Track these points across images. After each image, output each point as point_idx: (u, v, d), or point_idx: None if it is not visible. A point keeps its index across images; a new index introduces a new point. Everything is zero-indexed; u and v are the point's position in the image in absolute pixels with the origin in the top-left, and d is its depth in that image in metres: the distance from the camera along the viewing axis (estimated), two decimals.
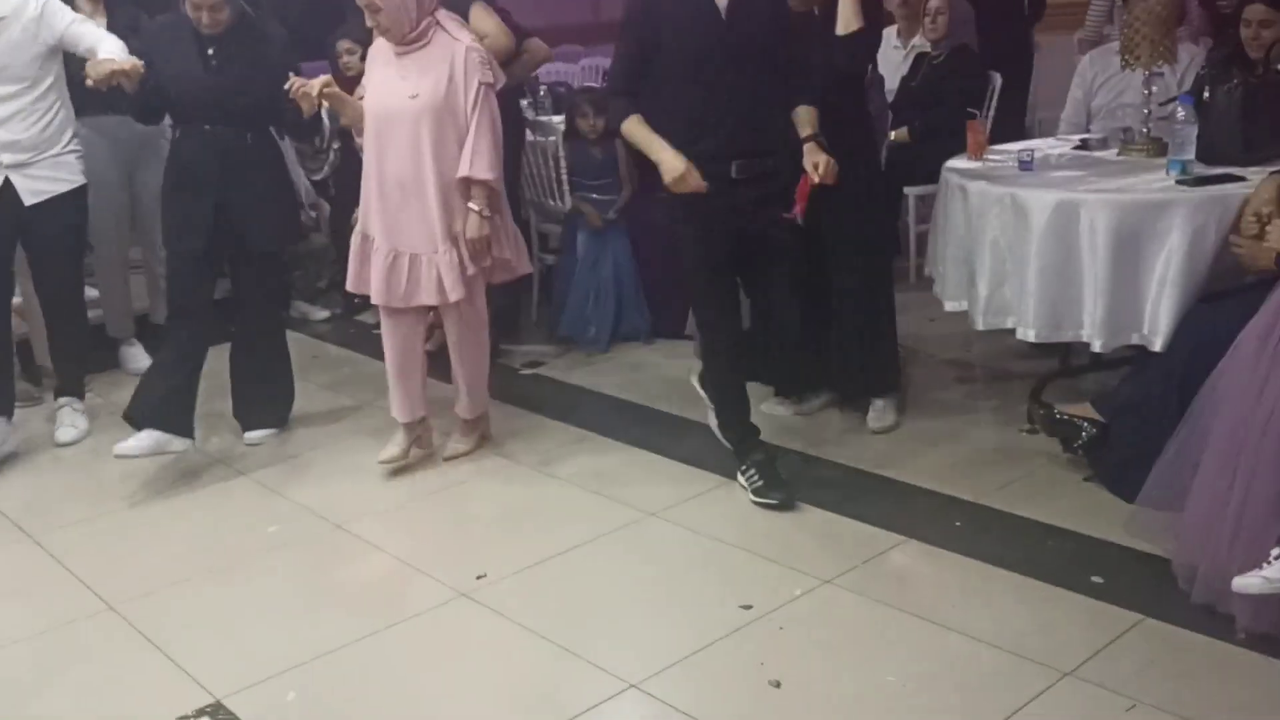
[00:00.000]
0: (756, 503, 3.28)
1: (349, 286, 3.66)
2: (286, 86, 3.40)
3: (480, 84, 3.39)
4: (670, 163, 3.09)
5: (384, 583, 3.03)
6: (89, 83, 3.51)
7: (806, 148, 3.19)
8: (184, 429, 3.68)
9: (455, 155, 3.40)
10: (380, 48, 3.47)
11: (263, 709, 2.48)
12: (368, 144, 3.48)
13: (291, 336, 5.04)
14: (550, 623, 2.76)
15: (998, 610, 2.70)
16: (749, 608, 2.77)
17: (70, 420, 4.08)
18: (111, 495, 3.64)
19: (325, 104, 3.53)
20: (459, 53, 3.38)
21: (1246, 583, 2.41)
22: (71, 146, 3.89)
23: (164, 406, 3.64)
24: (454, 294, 3.46)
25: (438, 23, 3.42)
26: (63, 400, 4.12)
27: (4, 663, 2.73)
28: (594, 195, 4.85)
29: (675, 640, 2.65)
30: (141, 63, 3.52)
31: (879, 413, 3.79)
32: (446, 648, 2.71)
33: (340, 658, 2.66)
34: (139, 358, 4.76)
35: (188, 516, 3.49)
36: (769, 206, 3.21)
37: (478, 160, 3.38)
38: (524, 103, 5.11)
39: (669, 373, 4.46)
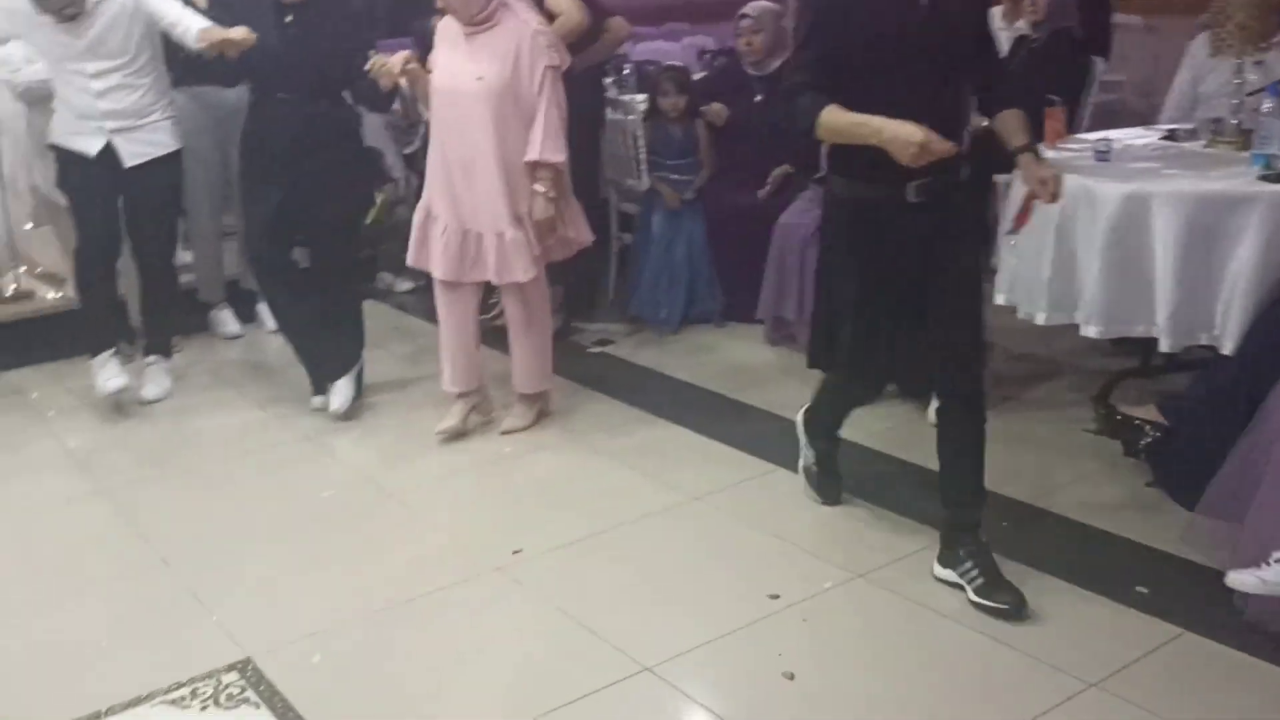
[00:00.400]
0: (980, 604, 2.68)
1: (410, 261, 3.74)
2: (367, 66, 3.47)
3: (547, 67, 3.40)
4: (902, 134, 2.46)
5: (423, 552, 3.09)
6: (200, 46, 3.66)
7: (1023, 159, 2.66)
8: (353, 359, 4.01)
9: (519, 137, 3.43)
10: (448, 27, 3.51)
11: (289, 669, 2.55)
12: (434, 122, 3.54)
13: (374, 307, 5.20)
14: (576, 601, 2.78)
15: (1031, 615, 2.62)
16: (776, 597, 2.75)
17: (156, 378, 4.26)
18: (183, 453, 3.80)
19: (404, 81, 3.59)
20: (525, 35, 3.40)
21: (1240, 579, 2.31)
22: (169, 114, 4.05)
23: (325, 359, 3.93)
24: (526, 275, 3.52)
25: (506, 4, 3.44)
26: (151, 359, 4.30)
27: (55, 614, 2.87)
28: (673, 175, 4.83)
29: (697, 626, 2.65)
30: (249, 31, 3.61)
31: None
32: (472, 620, 2.75)
33: (369, 624, 2.73)
34: (228, 322, 4.95)
35: (250, 478, 3.61)
36: (953, 236, 2.68)
37: (547, 143, 3.41)
38: (608, 80, 5.11)
39: (736, 357, 4.44)
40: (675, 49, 7.47)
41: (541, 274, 3.67)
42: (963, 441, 2.76)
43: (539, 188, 3.45)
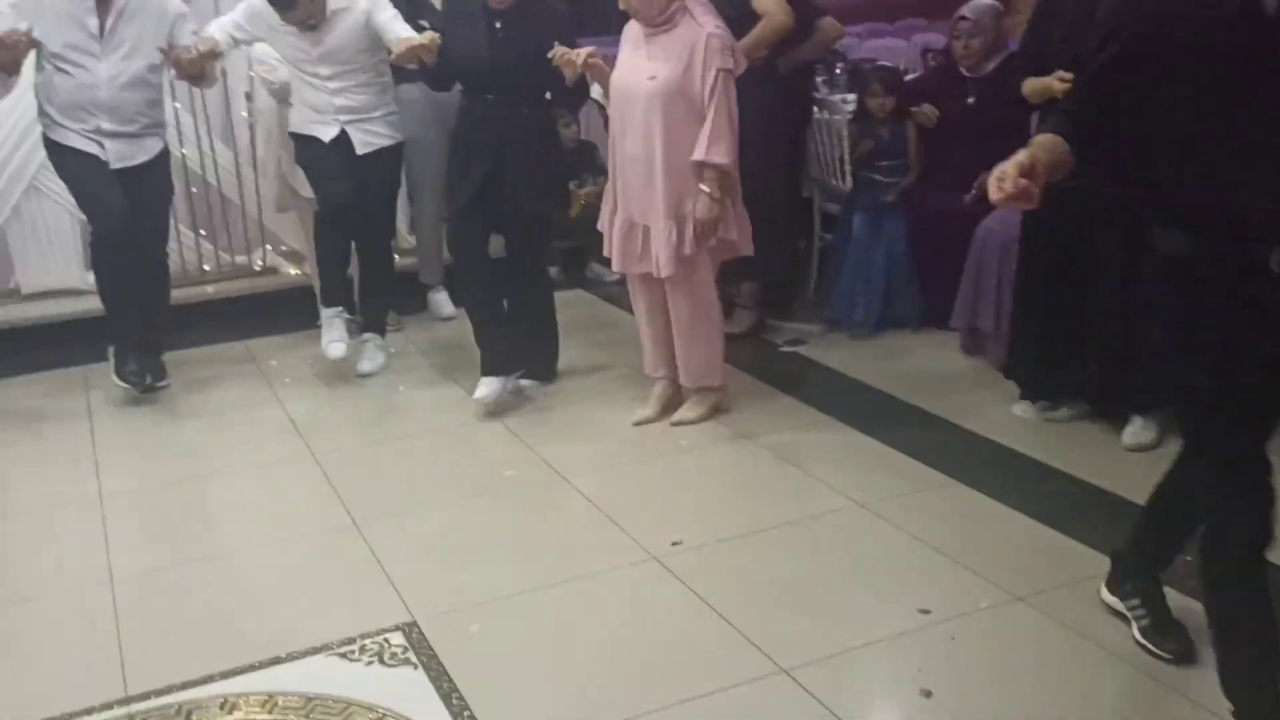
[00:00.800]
0: (1144, 646, 2.54)
1: (604, 251, 3.88)
2: (550, 54, 3.63)
3: (719, 70, 3.45)
4: None
5: (588, 535, 3.21)
6: (392, 58, 3.96)
7: None
8: (527, 357, 4.18)
9: (687, 137, 3.49)
10: (632, 28, 3.62)
11: (447, 635, 2.72)
12: (611, 118, 3.67)
13: (579, 295, 5.39)
14: (726, 597, 2.82)
15: (1208, 659, 2.47)
16: (927, 612, 2.71)
17: (371, 354, 4.58)
18: (387, 424, 4.09)
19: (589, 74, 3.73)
20: (700, 38, 3.46)
21: None
22: (391, 109, 4.34)
23: (502, 352, 4.10)
24: (666, 270, 3.61)
25: (685, 8, 3.51)
26: (367, 335, 4.61)
27: (250, 564, 3.17)
28: (878, 176, 4.77)
29: (841, 632, 2.64)
30: (437, 35, 3.86)
31: (1136, 430, 3.51)
32: (623, 605, 2.84)
33: (525, 600, 2.87)
34: (445, 304, 5.25)
35: (441, 453, 3.84)
36: None
37: (714, 145, 3.46)
38: (818, 79, 5.09)
39: (927, 364, 4.35)
40: (903, 46, 7.33)
41: (705, 272, 3.72)
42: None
43: (704, 187, 3.51)
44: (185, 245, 5.36)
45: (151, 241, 4.32)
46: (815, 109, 4.91)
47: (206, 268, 5.47)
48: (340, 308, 4.46)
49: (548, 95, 3.99)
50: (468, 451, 3.84)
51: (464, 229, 4.07)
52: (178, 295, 4.72)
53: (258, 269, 5.54)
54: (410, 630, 2.75)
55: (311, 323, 4.73)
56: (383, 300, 4.64)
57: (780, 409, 4.01)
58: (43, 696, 2.55)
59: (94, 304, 4.48)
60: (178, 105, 5.15)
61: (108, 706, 2.50)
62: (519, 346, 4.18)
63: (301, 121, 4.30)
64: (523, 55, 3.82)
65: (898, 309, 4.72)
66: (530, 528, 3.28)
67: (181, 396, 4.43)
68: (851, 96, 5.00)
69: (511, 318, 4.21)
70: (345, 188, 4.25)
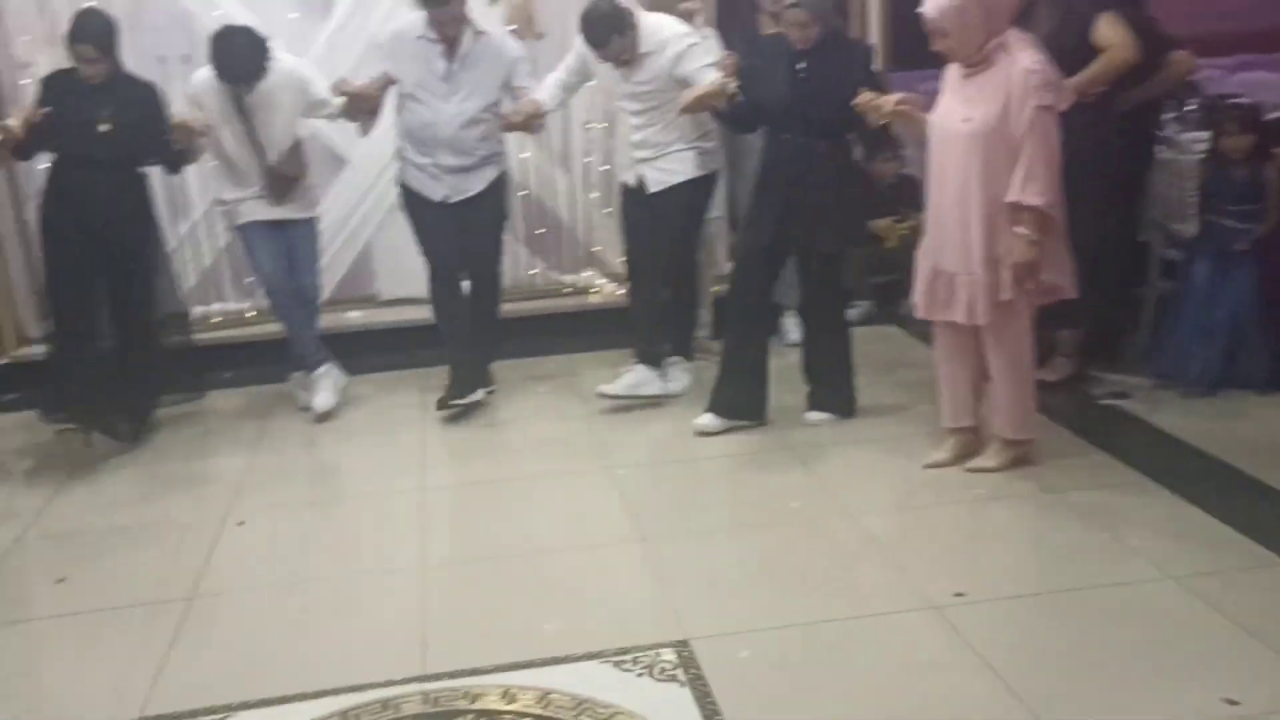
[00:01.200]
0: None
1: (913, 294, 3.80)
2: (855, 102, 3.62)
3: (1036, 107, 3.30)
4: None
5: (866, 576, 3.15)
6: (679, 110, 4.15)
7: None
8: (755, 412, 4.22)
9: (1005, 181, 3.36)
10: (951, 71, 3.54)
11: (717, 657, 2.76)
12: (929, 162, 3.58)
13: (891, 332, 5.31)
14: (1007, 658, 2.69)
15: None
16: (1235, 704, 2.46)
17: (676, 376, 4.72)
18: (683, 445, 4.19)
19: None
20: (1016, 75, 3.33)
21: None
22: (697, 144, 4.41)
23: (735, 398, 4.19)
24: (983, 318, 3.48)
25: (1004, 45, 3.38)
26: (673, 359, 4.76)
27: (543, 566, 3.33)
28: (1228, 221, 4.38)
29: (1129, 712, 2.46)
30: (729, 82, 4.01)
31: None
32: (895, 652, 2.77)
33: (798, 633, 2.86)
34: (791, 330, 5.23)
35: (731, 478, 3.92)
36: None
37: (1029, 185, 3.32)
38: (1167, 117, 4.74)
39: (1271, 431, 3.96)
40: (1278, 81, 6.68)
41: (1022, 318, 3.55)
42: None
43: (1020, 230, 3.35)
44: (519, 262, 5.74)
45: (482, 263, 4.68)
46: (1159, 148, 4.58)
47: (537, 284, 5.83)
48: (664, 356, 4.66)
49: (848, 137, 4.01)
50: (757, 479, 3.87)
51: (753, 271, 4.14)
52: (509, 309, 5.07)
53: (583, 288, 5.85)
54: (682, 648, 2.81)
55: (627, 342, 4.89)
56: (691, 324, 4.84)
57: (1091, 466, 3.76)
58: (347, 665, 2.82)
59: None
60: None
61: (406, 681, 2.73)
62: (820, 379, 4.20)
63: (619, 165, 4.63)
64: (822, 95, 3.85)
65: (1241, 367, 4.30)
66: (811, 561, 3.26)
67: (505, 402, 4.75)
68: (1204, 135, 4.62)
69: (804, 351, 4.30)
70: (640, 244, 4.53)
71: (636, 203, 4.53)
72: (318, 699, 2.68)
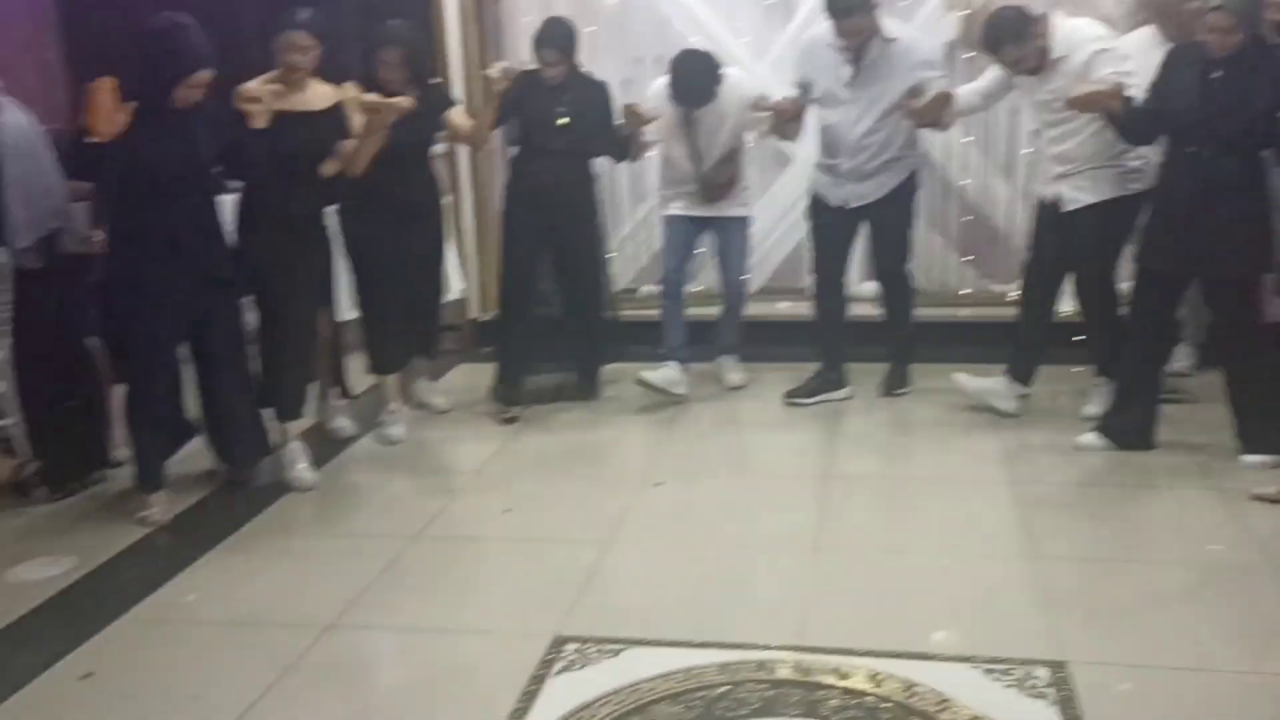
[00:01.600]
0: None
1: None
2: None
3: None
4: None
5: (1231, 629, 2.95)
6: (1067, 101, 3.94)
7: None
8: (1144, 441, 4.12)
9: None
10: None
11: (1094, 685, 2.69)
12: None
13: None
14: None
15: None
16: None
17: (1097, 399, 4.50)
18: (1098, 466, 4.06)
19: None
20: None
21: None
22: (1119, 165, 4.17)
23: (1126, 423, 4.10)
24: None
25: None
26: (1097, 381, 4.54)
27: (932, 564, 3.39)
28: None
29: None
30: (1124, 83, 3.81)
31: None
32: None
33: (1194, 679, 2.73)
34: (1179, 358, 4.87)
35: (1142, 509, 3.76)
36: None
37: None
38: None
39: None
40: None
41: None
42: None
43: None
44: (949, 268, 5.74)
45: (889, 266, 4.79)
46: None
47: (964, 291, 5.78)
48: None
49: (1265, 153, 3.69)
50: (1174, 515, 3.68)
51: (1154, 290, 3.96)
52: (929, 314, 5.12)
53: (1011, 299, 5.72)
54: (1058, 669, 2.77)
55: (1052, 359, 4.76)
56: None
57: None
58: (731, 624, 3.06)
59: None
60: (970, 138, 5.54)
61: (781, 648, 2.92)
62: (1248, 416, 3.94)
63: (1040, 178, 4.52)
64: (1237, 105, 3.56)
65: None
66: (1222, 611, 3.06)
67: (921, 405, 4.82)
68: None
69: (1228, 388, 4.01)
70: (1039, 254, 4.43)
71: (1049, 220, 4.37)
72: (702, 649, 2.93)
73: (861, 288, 5.27)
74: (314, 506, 4.06)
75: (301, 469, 4.17)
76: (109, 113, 3.46)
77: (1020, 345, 4.58)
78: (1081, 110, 3.95)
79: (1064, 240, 4.31)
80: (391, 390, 4.73)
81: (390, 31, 4.33)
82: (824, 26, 4.56)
